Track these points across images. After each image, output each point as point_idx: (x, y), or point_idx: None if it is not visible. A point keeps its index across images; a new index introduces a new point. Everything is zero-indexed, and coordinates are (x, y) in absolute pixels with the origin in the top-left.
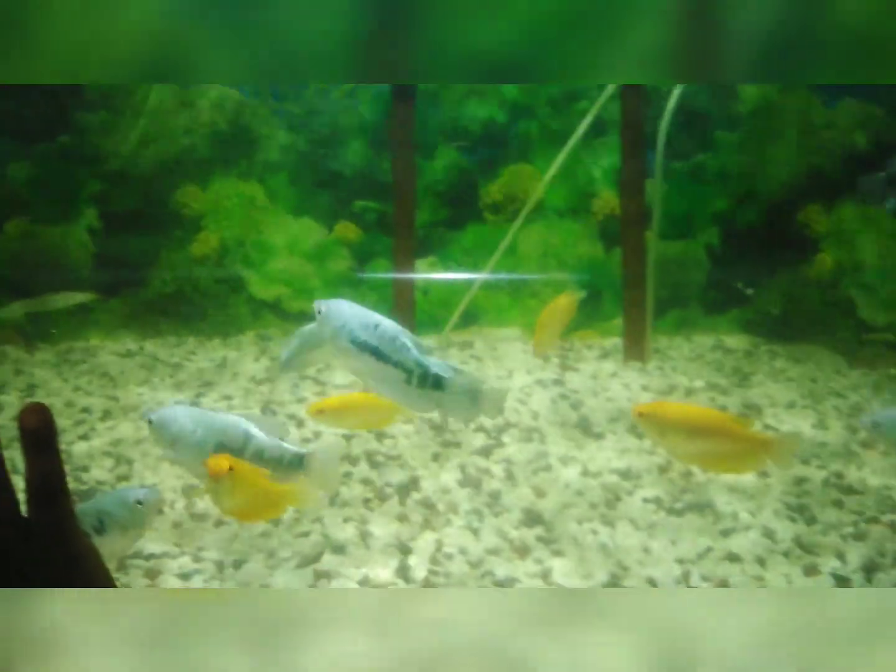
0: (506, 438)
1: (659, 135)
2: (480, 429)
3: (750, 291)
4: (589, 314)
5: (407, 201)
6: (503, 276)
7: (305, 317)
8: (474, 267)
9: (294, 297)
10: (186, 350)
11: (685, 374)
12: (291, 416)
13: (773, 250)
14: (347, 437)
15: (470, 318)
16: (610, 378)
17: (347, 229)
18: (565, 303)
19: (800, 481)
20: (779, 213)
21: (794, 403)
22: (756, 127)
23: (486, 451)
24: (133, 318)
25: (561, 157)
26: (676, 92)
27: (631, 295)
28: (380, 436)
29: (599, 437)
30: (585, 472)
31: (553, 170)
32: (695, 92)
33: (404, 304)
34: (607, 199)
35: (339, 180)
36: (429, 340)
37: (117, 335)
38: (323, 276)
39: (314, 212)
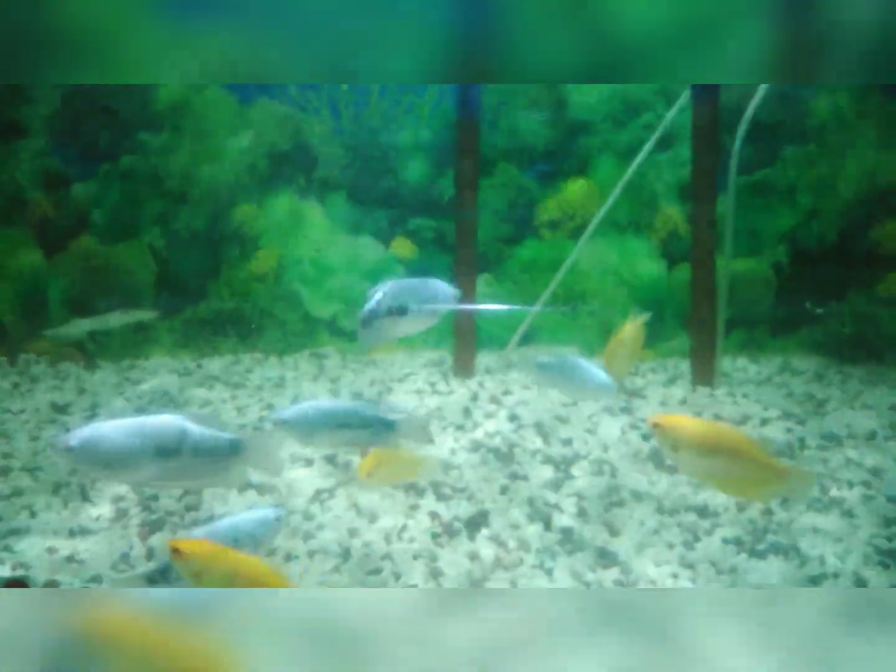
0: (575, 471)
1: (734, 147)
2: (549, 460)
3: (820, 311)
4: (650, 333)
5: (469, 216)
6: (561, 307)
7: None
8: (531, 283)
9: (350, 315)
10: (244, 368)
11: (758, 400)
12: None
13: (843, 269)
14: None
15: (527, 337)
16: (680, 405)
17: (404, 246)
18: (633, 330)
19: (889, 522)
20: (850, 231)
21: (875, 434)
22: (827, 140)
23: (555, 485)
24: (192, 337)
25: (630, 172)
26: (753, 102)
27: (700, 316)
28: (446, 466)
29: (673, 470)
30: (661, 509)
31: (618, 189)
32: (763, 104)
33: (466, 325)
34: (670, 216)
35: (397, 198)
36: (488, 361)
37: (177, 353)
38: None
39: (371, 229)
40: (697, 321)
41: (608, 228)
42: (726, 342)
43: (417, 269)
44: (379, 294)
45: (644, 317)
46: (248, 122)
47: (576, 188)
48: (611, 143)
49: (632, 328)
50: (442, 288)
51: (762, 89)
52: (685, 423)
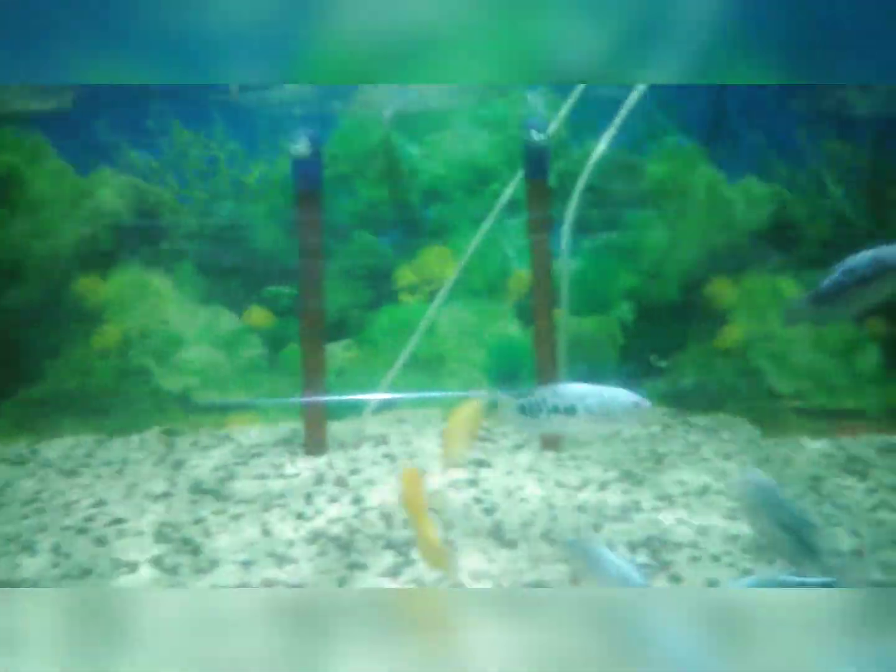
0: (416, 555)
1: (567, 214)
2: (390, 545)
3: (663, 364)
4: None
5: (314, 285)
6: (404, 394)
7: (216, 407)
8: (392, 348)
9: (203, 387)
10: (83, 453)
11: (599, 462)
12: (186, 542)
13: (683, 324)
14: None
15: (389, 400)
16: (525, 474)
17: (258, 315)
18: (471, 411)
19: (711, 584)
20: (688, 288)
21: (708, 488)
22: (662, 204)
23: (394, 571)
24: (29, 419)
25: (476, 240)
26: (585, 173)
27: (544, 376)
28: (281, 561)
29: (512, 545)
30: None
31: (469, 252)
32: (602, 171)
33: (315, 387)
34: (522, 278)
35: (250, 266)
36: (344, 432)
37: (11, 438)
38: (234, 363)
39: (224, 298)
40: (541, 382)
41: (465, 292)
42: None
43: (274, 337)
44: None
45: (482, 396)
46: (87, 193)
47: (432, 254)
48: (463, 211)
49: (469, 408)
50: (621, 395)
51: (596, 155)
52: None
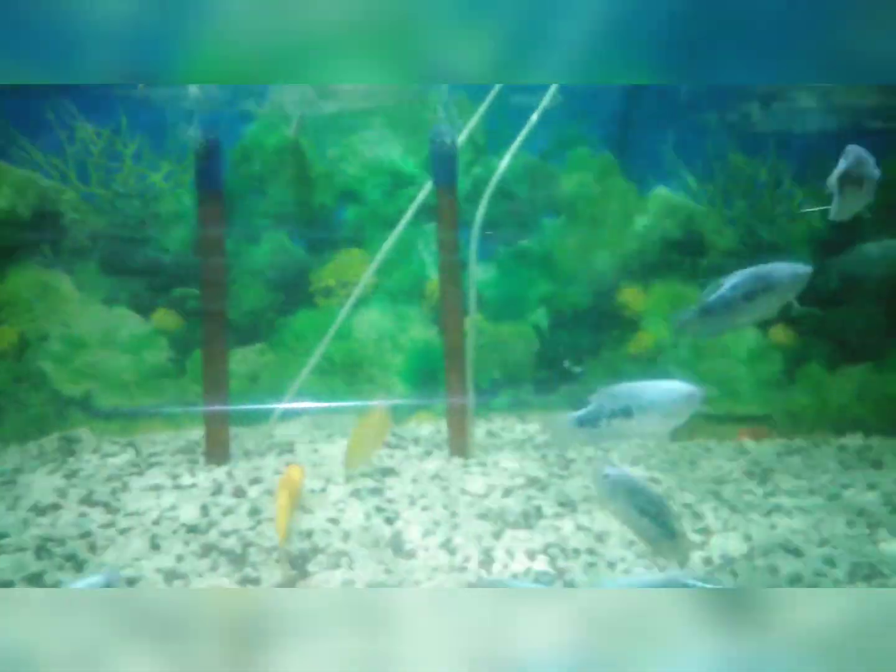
0: (312, 567)
1: (475, 223)
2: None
3: (578, 370)
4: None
5: (216, 288)
6: (308, 404)
7: (119, 413)
8: (307, 353)
9: (106, 392)
10: None
11: (506, 468)
12: (69, 557)
13: (597, 330)
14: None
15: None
16: (430, 481)
17: (166, 318)
18: (377, 419)
19: None
20: (602, 295)
21: None
22: (577, 212)
23: (287, 585)
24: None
25: (389, 243)
26: (493, 179)
27: (452, 384)
28: (169, 576)
29: (411, 555)
30: None
31: (380, 255)
32: (518, 178)
33: (216, 393)
34: (437, 283)
35: (157, 267)
36: (250, 440)
37: None
38: (140, 367)
39: (130, 300)
40: (450, 389)
41: (383, 297)
42: (496, 402)
43: (182, 341)
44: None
45: (387, 404)
46: None
47: (348, 257)
48: (380, 214)
49: (375, 416)
50: (676, 387)
51: (504, 161)
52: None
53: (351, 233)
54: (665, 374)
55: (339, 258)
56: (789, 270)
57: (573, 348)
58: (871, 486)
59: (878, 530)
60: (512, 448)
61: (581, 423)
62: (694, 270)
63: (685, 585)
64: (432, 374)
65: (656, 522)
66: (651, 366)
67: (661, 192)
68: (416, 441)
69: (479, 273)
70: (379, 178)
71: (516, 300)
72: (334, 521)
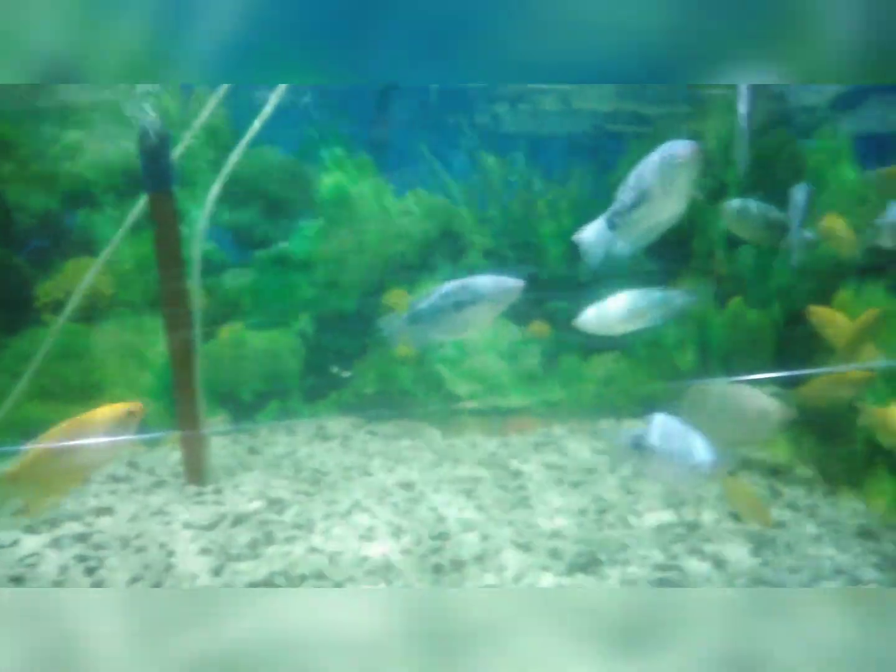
0: None
1: (197, 223)
2: None
3: (346, 374)
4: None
5: None
6: None
7: None
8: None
9: None
10: None
11: (246, 492)
12: None
13: (363, 334)
14: None
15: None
16: (151, 517)
17: None
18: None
19: None
20: (366, 297)
21: (356, 506)
22: (335, 214)
23: None
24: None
25: (107, 252)
26: (215, 187)
27: (182, 405)
28: None
29: None
30: None
31: (97, 265)
32: (273, 179)
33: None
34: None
35: None
36: None
37: None
38: None
39: None
40: (180, 412)
41: (123, 309)
42: (263, 414)
43: None
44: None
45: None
46: None
47: (78, 267)
48: (114, 218)
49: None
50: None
51: (234, 158)
52: None
53: (81, 239)
54: (434, 376)
55: (68, 268)
56: (497, 283)
57: (341, 353)
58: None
59: (606, 515)
60: (265, 466)
61: (637, 444)
62: (455, 271)
63: None
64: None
65: None
66: (419, 367)
67: (419, 192)
68: (152, 471)
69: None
70: (112, 179)
71: (278, 306)
72: (17, 579)
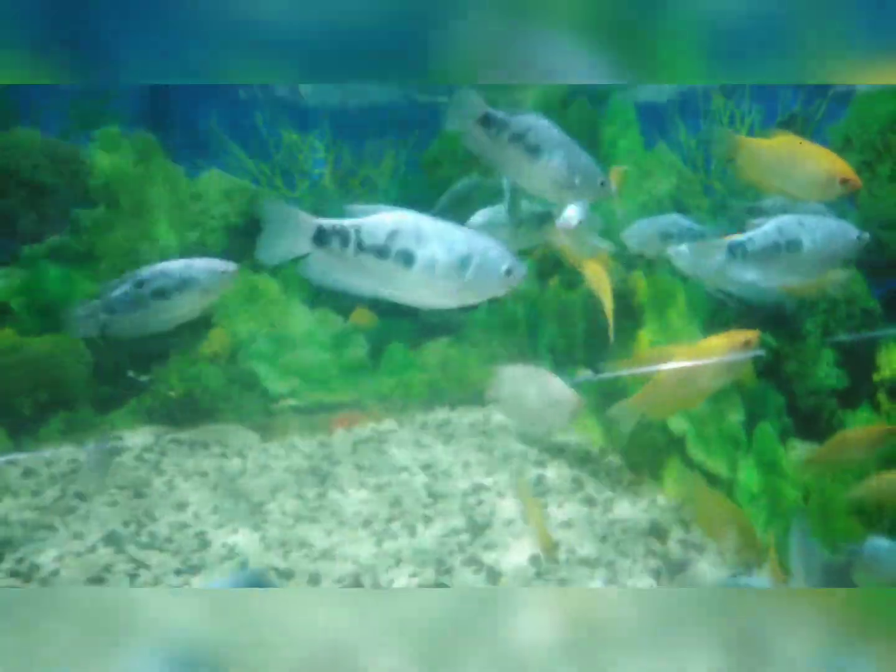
0: None
1: None
2: None
3: (145, 378)
4: None
5: None
6: None
7: None
8: None
9: None
10: None
11: None
12: None
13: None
14: None
15: None
16: None
17: None
18: None
19: None
20: None
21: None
22: (117, 200)
23: None
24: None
25: None
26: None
27: None
28: None
29: None
30: None
31: None
32: (35, 163)
33: None
34: None
35: None
36: None
37: None
38: None
39: None
40: None
41: None
42: (46, 429)
43: None
44: None
45: None
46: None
47: None
48: None
49: None
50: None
51: None
52: None
53: None
54: (248, 374)
55: None
56: (208, 266)
57: (136, 356)
58: (426, 467)
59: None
60: (27, 487)
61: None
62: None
63: None
64: None
65: None
66: (230, 365)
67: (214, 174)
68: None
69: None
70: None
71: (56, 307)
72: None
